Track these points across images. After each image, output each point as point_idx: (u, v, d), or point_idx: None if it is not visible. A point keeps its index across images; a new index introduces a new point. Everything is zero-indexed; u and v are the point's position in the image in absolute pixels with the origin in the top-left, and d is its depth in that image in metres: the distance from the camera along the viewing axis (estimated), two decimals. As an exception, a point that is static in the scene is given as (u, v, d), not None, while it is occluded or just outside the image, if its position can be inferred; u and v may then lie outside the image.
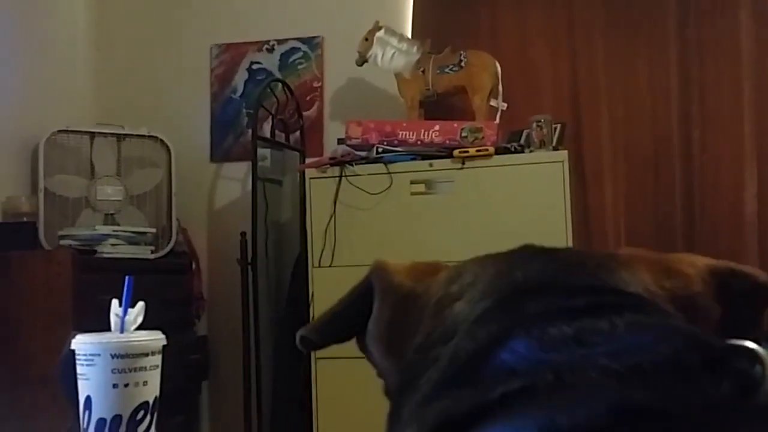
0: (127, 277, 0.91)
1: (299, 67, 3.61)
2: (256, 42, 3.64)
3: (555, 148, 2.83)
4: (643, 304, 0.41)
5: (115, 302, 0.92)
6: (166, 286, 3.13)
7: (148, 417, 0.89)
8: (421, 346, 0.44)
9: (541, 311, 0.39)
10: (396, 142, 2.90)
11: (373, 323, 0.50)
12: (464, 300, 0.44)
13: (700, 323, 0.42)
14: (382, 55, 3.13)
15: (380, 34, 3.14)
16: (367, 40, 3.16)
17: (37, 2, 3.40)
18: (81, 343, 0.88)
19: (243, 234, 3.16)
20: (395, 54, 3.13)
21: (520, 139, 2.90)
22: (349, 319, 0.52)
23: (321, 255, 2.86)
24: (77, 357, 0.88)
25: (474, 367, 0.37)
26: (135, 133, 3.31)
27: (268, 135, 3.41)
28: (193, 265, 3.51)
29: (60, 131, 3.18)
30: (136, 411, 0.87)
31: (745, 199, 3.11)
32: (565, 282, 0.42)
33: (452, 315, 0.44)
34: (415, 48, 3.14)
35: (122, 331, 0.91)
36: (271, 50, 3.64)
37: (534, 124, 2.84)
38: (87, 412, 0.88)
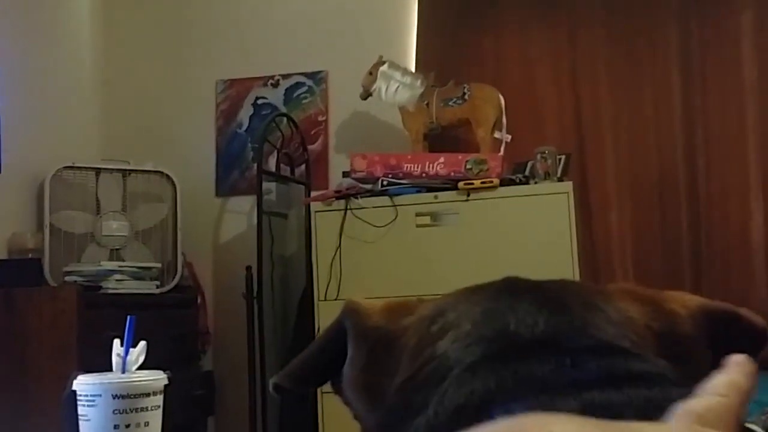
0: (128, 317, 0.91)
1: (304, 101, 3.63)
2: (261, 77, 3.67)
3: (560, 179, 2.83)
4: (647, 373, 0.39)
5: (116, 342, 0.92)
6: (172, 321, 3.12)
7: (150, 458, 0.87)
8: (403, 386, 0.43)
9: (540, 375, 0.38)
10: (401, 174, 2.90)
11: (349, 366, 0.48)
12: (448, 339, 0.42)
13: (688, 366, 0.41)
14: (386, 88, 3.14)
15: (384, 68, 3.16)
16: (371, 74, 3.18)
17: (43, 38, 3.44)
18: (82, 383, 0.87)
19: (248, 268, 3.16)
20: (399, 88, 3.14)
21: (524, 171, 2.90)
22: (323, 364, 0.51)
23: (327, 288, 2.85)
24: (78, 397, 0.88)
25: (467, 421, 0.36)
26: (140, 168, 3.33)
27: (273, 169, 3.42)
28: (199, 300, 3.50)
29: (65, 167, 3.19)
30: (137, 452, 0.86)
31: (751, 226, 3.10)
32: (560, 337, 0.41)
33: (438, 356, 0.42)
34: (418, 81, 3.15)
35: (124, 371, 0.90)
36: (276, 85, 3.66)
37: (538, 156, 2.84)
38: (88, 454, 0.86)
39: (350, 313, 0.49)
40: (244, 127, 3.68)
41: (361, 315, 0.49)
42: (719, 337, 0.44)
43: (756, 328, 0.45)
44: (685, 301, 0.46)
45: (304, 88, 3.63)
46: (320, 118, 3.61)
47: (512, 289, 0.46)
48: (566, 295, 0.44)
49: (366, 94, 3.20)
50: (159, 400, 0.89)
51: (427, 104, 3.12)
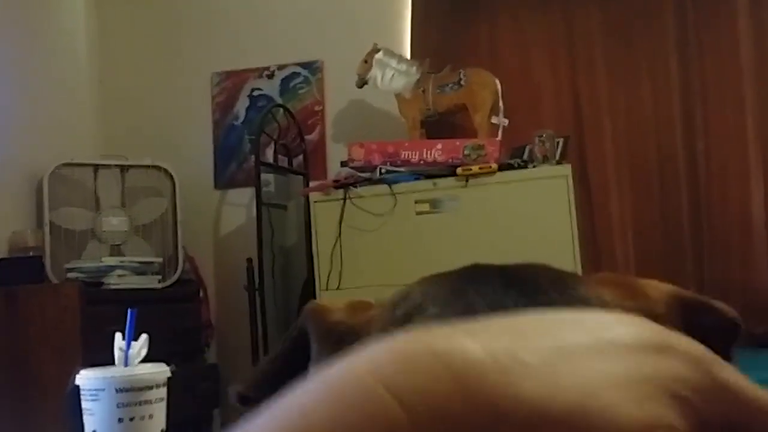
0: (129, 311, 0.91)
1: (300, 91, 3.62)
2: (257, 68, 3.66)
3: (559, 163, 2.83)
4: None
5: (118, 336, 0.92)
6: (174, 316, 3.13)
7: (155, 451, 0.88)
8: None
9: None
10: (399, 162, 2.90)
11: (314, 366, 0.47)
12: (415, 323, 0.42)
13: None
14: (382, 76, 3.14)
15: (379, 56, 3.15)
16: (366, 62, 3.17)
17: (38, 36, 3.43)
18: (85, 378, 0.88)
19: (249, 260, 3.16)
20: (395, 75, 3.14)
21: (523, 155, 2.90)
22: (286, 369, 0.49)
23: (328, 278, 2.85)
24: (82, 392, 0.88)
25: None
26: (139, 163, 3.32)
27: (271, 160, 3.41)
28: (201, 293, 3.50)
29: (64, 164, 3.19)
30: (142, 445, 0.87)
31: (752, 207, 3.10)
32: (518, 297, 0.41)
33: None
34: (414, 68, 3.15)
35: (126, 364, 0.91)
36: (271, 76, 3.65)
37: (536, 139, 2.84)
38: (93, 448, 0.87)
39: (311, 313, 0.49)
40: (241, 119, 3.67)
41: (323, 314, 0.48)
42: (692, 328, 0.44)
43: (728, 320, 0.45)
44: (658, 286, 0.46)
45: (300, 79, 3.62)
46: (317, 108, 3.60)
47: (479, 271, 0.45)
48: (537, 277, 0.44)
49: (362, 82, 3.20)
50: (162, 392, 0.89)
51: (423, 91, 3.11)
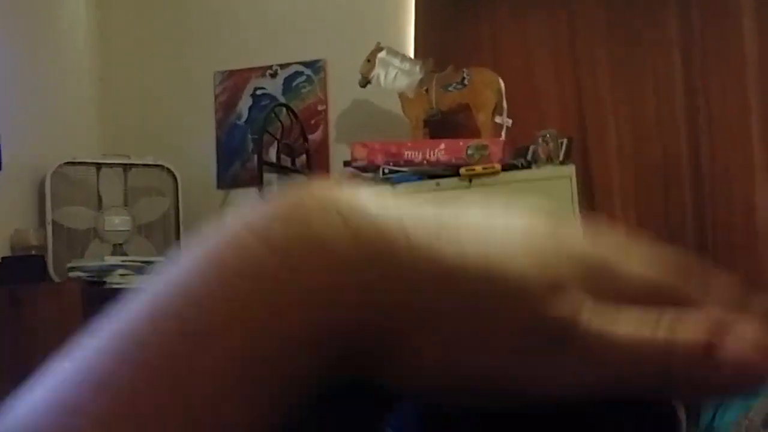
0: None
1: (303, 90, 3.61)
2: (260, 68, 3.65)
3: (562, 163, 2.82)
4: None
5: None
6: (176, 315, 3.12)
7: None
8: None
9: None
10: (402, 162, 2.89)
11: None
12: None
13: None
14: (385, 75, 3.13)
15: (382, 55, 3.14)
16: (369, 61, 3.16)
17: (41, 34, 3.43)
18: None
19: (252, 260, 3.15)
20: (398, 74, 3.13)
21: (526, 155, 2.88)
22: None
23: (330, 278, 2.84)
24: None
25: None
26: (141, 162, 3.32)
27: (274, 160, 3.41)
28: (203, 293, 3.49)
29: (66, 163, 3.19)
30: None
31: (756, 207, 3.08)
32: None
33: None
34: (417, 67, 3.14)
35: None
36: (274, 75, 3.64)
37: (540, 140, 2.83)
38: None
39: None
40: (244, 119, 3.66)
41: None
42: None
43: None
44: None
45: (303, 78, 3.61)
46: (320, 108, 3.59)
47: None
48: None
49: (365, 82, 3.19)
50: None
51: (427, 90, 3.10)
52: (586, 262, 0.25)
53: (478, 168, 2.76)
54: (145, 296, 0.23)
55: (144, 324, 0.22)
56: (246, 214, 0.24)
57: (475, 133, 3.00)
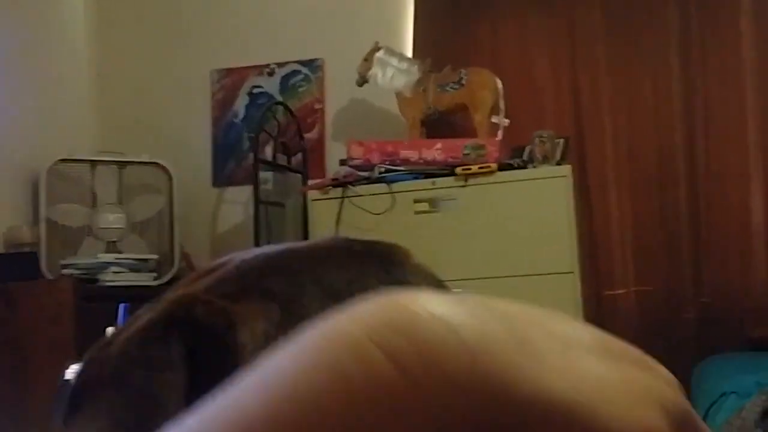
0: (121, 305, 0.89)
1: (300, 89, 3.60)
2: (257, 66, 3.64)
3: (559, 163, 2.81)
4: None
5: (110, 330, 0.90)
6: (171, 313, 3.11)
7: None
8: None
9: None
10: (398, 161, 2.88)
11: None
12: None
13: None
14: (382, 74, 3.12)
15: (380, 54, 3.13)
16: (366, 60, 3.15)
17: (37, 31, 3.41)
18: (75, 372, 0.86)
19: (247, 258, 3.14)
20: (395, 74, 3.12)
21: (522, 155, 2.88)
22: None
23: (325, 277, 2.83)
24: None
25: None
26: (136, 160, 3.30)
27: (269, 158, 3.40)
28: (198, 291, 3.48)
29: (61, 160, 3.17)
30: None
31: (752, 209, 3.08)
32: None
33: None
34: (415, 67, 3.13)
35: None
36: (271, 74, 3.63)
37: (536, 140, 2.82)
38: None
39: None
40: (240, 117, 3.65)
41: None
42: None
43: None
44: None
45: (300, 76, 3.60)
46: (316, 106, 3.58)
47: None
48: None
49: (362, 81, 3.18)
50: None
51: (424, 90, 3.10)
52: (676, 413, 0.25)
53: (475, 167, 2.76)
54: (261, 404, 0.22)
55: None
56: (359, 314, 0.23)
57: (472, 133, 3.00)
